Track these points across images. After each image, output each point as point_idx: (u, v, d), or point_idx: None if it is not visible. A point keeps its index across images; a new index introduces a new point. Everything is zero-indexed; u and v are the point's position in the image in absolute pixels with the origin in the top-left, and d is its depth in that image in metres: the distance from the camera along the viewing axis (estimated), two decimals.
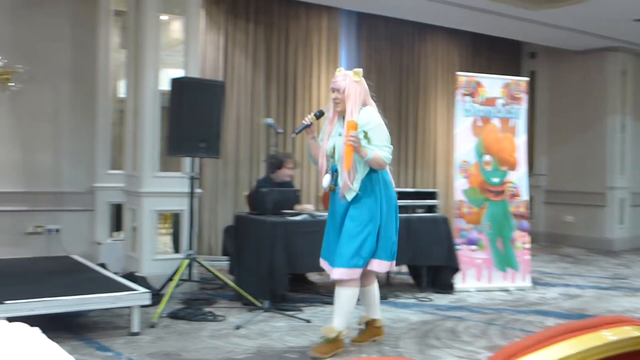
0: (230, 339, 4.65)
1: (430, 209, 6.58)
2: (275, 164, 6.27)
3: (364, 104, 4.26)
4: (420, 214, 6.43)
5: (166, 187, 6.16)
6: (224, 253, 7.93)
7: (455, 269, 6.48)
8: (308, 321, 5.20)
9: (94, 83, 7.14)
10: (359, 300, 4.44)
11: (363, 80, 4.28)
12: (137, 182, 6.20)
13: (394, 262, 4.41)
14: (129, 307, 4.70)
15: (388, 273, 6.72)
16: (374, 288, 4.58)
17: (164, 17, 6.69)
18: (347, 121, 4.10)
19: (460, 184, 6.74)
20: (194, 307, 5.45)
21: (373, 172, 4.23)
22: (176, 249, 6.49)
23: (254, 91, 8.30)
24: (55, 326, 4.60)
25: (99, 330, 4.76)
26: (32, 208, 6.83)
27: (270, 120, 5.39)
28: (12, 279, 5.17)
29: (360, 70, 4.26)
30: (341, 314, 4.31)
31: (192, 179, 5.59)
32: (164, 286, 5.68)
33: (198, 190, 6.12)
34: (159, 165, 6.18)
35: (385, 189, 4.29)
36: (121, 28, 7.40)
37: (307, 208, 6.33)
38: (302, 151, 8.43)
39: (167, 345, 4.45)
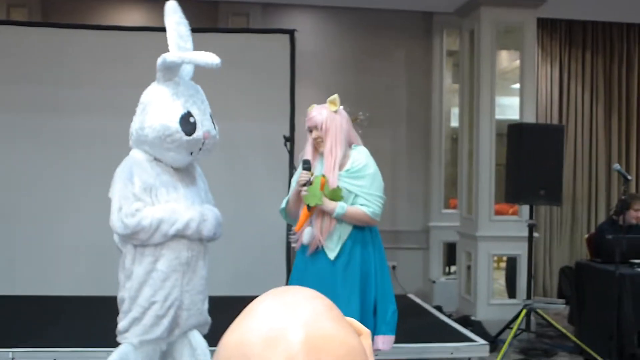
0: None
1: None
2: (622, 205, 5.79)
3: (350, 142, 3.46)
4: None
5: (502, 231, 6.07)
6: (560, 295, 7.57)
7: None
8: None
9: (427, 124, 7.36)
10: None
11: (343, 111, 3.45)
12: (472, 225, 6.20)
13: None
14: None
15: None
16: None
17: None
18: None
19: None
20: (532, 358, 5.26)
21: (359, 231, 3.40)
22: (511, 294, 6.34)
23: (592, 125, 7.77)
24: None
25: None
26: None
27: (618, 166, 4.99)
28: None
29: (335, 97, 3.39)
30: None
31: (531, 226, 5.42)
32: (500, 333, 5.58)
33: (535, 235, 5.92)
34: (494, 209, 6.13)
35: (377, 244, 3.48)
36: (453, 65, 7.54)
37: None
38: None
39: None
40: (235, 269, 5.77)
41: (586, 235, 6.86)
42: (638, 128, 7.90)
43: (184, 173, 3.38)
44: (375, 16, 7.26)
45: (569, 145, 7.62)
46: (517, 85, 6.57)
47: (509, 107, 8.08)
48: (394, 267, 7.23)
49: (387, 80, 7.32)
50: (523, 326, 5.53)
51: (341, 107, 3.46)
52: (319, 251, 3.38)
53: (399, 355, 4.49)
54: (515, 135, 5.39)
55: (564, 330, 5.37)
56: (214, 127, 3.36)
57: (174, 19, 3.34)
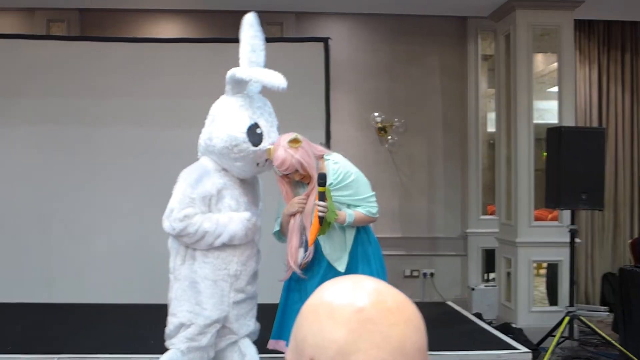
0: None
1: None
2: None
3: (320, 155, 3.38)
4: None
5: (543, 237, 5.98)
6: (602, 302, 7.42)
7: None
8: None
9: (463, 130, 7.29)
10: None
11: (303, 141, 3.29)
12: (512, 231, 6.11)
13: None
14: None
15: None
16: None
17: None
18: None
19: None
20: None
21: (357, 233, 3.41)
22: (552, 301, 6.22)
23: (634, 127, 7.61)
24: None
25: None
26: (409, 252, 7.17)
27: None
28: None
29: (295, 137, 3.23)
30: None
31: (572, 232, 5.32)
32: (542, 341, 5.48)
33: (577, 240, 5.81)
34: (534, 215, 6.03)
35: (376, 249, 3.48)
36: (488, 70, 7.46)
37: None
38: None
39: None
40: (273, 276, 5.76)
41: (629, 240, 6.72)
42: None
43: (248, 187, 3.42)
44: (408, 22, 7.22)
45: (610, 148, 7.47)
46: (554, 89, 6.47)
47: (546, 111, 7.97)
48: (432, 274, 7.18)
49: (422, 86, 7.27)
50: (566, 334, 5.42)
51: (296, 135, 3.31)
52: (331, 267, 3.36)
53: None
54: (555, 139, 5.29)
55: (608, 338, 5.25)
56: None
57: (250, 32, 3.35)
